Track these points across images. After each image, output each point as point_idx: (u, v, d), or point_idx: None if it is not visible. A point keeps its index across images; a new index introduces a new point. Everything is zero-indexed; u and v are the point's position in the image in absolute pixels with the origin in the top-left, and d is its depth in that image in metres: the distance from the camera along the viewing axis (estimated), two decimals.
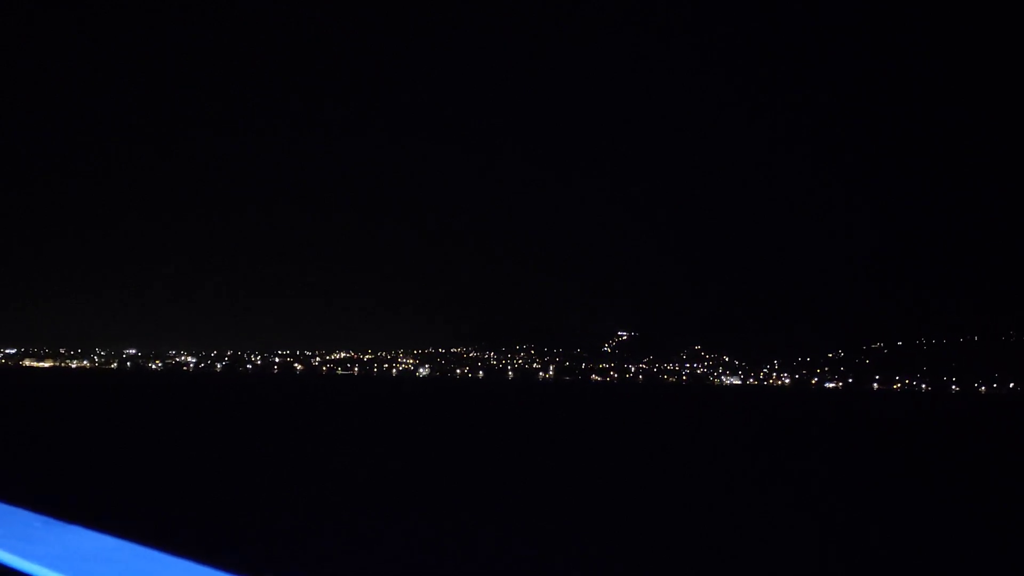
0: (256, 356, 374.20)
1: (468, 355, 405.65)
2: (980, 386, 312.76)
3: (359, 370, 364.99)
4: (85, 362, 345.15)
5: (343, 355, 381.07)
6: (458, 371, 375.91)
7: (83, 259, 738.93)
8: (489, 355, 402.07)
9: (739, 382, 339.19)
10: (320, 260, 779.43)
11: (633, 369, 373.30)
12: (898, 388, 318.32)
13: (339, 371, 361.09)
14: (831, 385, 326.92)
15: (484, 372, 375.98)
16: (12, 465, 27.12)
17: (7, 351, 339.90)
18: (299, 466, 31.42)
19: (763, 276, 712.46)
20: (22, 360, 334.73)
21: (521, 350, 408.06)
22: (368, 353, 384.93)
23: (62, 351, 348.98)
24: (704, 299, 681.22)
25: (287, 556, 15.14)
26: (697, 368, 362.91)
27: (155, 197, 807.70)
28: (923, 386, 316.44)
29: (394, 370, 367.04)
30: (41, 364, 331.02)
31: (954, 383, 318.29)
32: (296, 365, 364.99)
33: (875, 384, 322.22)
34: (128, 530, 2.35)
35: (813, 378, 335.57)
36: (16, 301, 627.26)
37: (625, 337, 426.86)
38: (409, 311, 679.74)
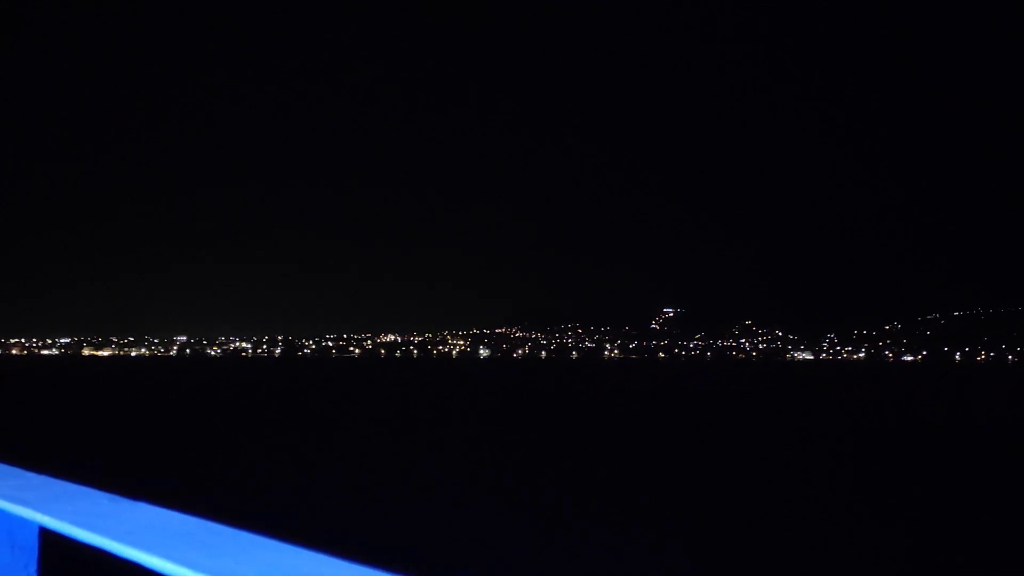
0: (308, 341, 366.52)
1: (515, 335, 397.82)
2: None
3: (416, 352, 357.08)
4: (143, 350, 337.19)
5: (392, 338, 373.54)
6: (517, 352, 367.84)
7: (126, 247, 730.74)
8: (536, 335, 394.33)
9: (811, 357, 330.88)
10: (355, 242, 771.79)
11: (692, 346, 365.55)
12: (981, 360, 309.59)
13: (397, 354, 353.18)
14: (909, 359, 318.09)
15: (544, 353, 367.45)
16: (92, 450, 26.61)
17: (61, 340, 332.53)
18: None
19: (807, 250, 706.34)
20: (81, 349, 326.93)
21: (568, 329, 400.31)
22: (416, 335, 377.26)
23: (114, 339, 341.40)
24: (748, 274, 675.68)
25: (353, 532, 14.58)
26: (758, 343, 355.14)
27: (193, 185, 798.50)
28: (1010, 357, 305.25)
29: (453, 352, 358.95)
30: (100, 353, 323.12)
31: None
32: (352, 349, 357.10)
33: (956, 356, 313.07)
34: (189, 505, 2.43)
35: (885, 351, 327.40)
36: (69, 289, 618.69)
37: (671, 313, 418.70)
38: (449, 292, 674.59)
